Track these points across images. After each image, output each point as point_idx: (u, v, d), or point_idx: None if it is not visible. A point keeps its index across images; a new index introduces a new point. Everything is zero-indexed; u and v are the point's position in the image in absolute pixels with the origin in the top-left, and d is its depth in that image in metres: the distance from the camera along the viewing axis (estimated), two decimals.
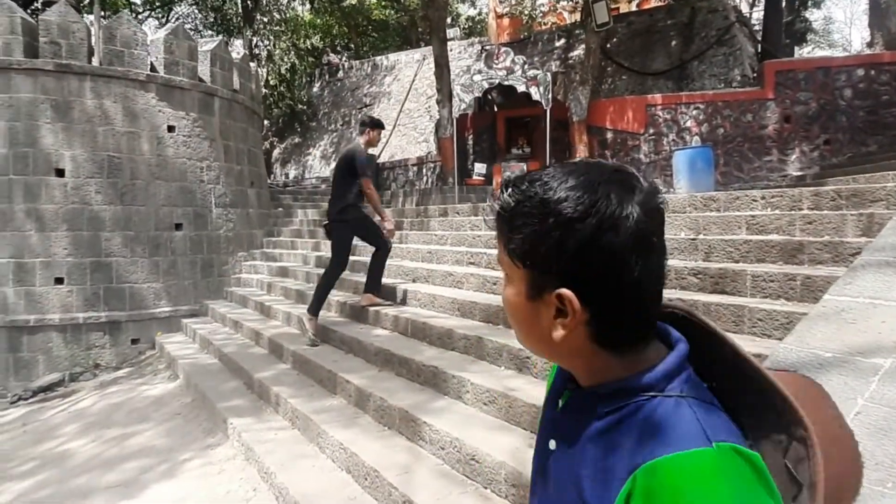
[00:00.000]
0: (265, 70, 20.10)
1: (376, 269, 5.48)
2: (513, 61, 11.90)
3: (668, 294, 3.59)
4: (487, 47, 15.25)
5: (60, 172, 7.49)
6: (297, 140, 21.16)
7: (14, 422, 5.90)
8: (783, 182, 10.28)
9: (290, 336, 5.78)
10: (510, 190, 0.69)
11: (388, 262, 6.54)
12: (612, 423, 0.66)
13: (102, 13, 7.94)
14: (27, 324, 7.25)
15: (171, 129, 8.15)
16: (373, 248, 5.51)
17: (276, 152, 21.34)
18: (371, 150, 5.57)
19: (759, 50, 15.52)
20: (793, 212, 4.11)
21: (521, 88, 11.68)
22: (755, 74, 13.05)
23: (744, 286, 3.43)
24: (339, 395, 4.29)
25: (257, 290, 8.24)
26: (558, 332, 0.66)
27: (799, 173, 10.89)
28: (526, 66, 11.93)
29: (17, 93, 7.41)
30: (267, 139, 20.24)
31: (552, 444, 0.75)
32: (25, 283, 7.31)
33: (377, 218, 5.41)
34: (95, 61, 7.80)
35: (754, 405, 0.66)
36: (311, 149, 20.64)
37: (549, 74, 11.60)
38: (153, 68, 8.14)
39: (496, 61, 12.05)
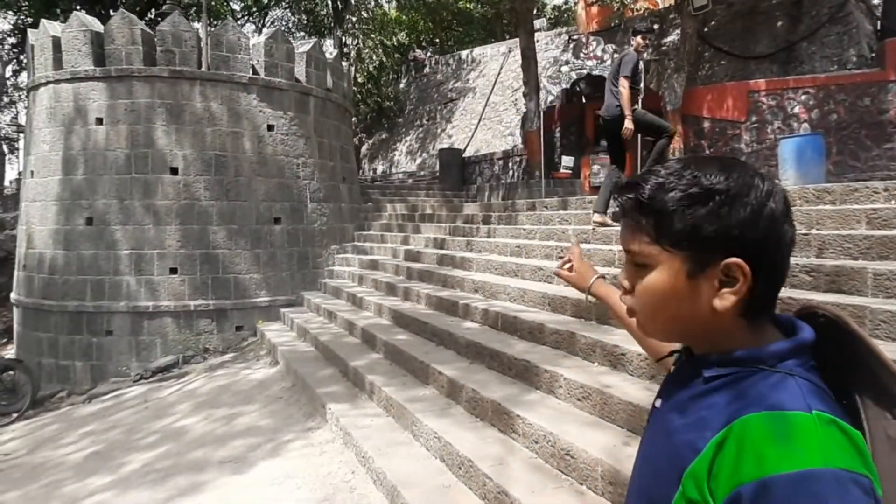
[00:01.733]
0: (354, 68, 20.74)
1: (605, 189, 5.79)
2: (603, 51, 11.60)
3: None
4: (575, 37, 14.93)
5: (174, 171, 8.11)
6: (384, 136, 21.70)
7: (137, 398, 6.49)
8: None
9: (381, 327, 5.96)
10: (652, 183, 0.74)
11: (477, 256, 6.60)
12: (715, 387, 0.72)
13: (209, 20, 8.50)
14: (147, 310, 7.93)
15: (270, 128, 8.61)
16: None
17: (364, 148, 21.99)
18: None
19: (879, 27, 14.19)
20: None
21: None
22: (873, 54, 11.95)
23: (864, 285, 3.18)
24: (430, 385, 4.38)
25: (349, 281, 8.55)
26: (725, 302, 0.71)
27: None
28: (616, 55, 11.59)
29: (137, 98, 8.09)
30: (355, 135, 20.90)
31: (658, 403, 0.83)
32: (144, 273, 8.00)
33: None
34: (203, 66, 8.37)
35: (878, 401, 0.68)
36: (398, 144, 21.09)
37: (641, 63, 11.20)
38: (254, 71, 8.62)
39: (585, 51, 11.78)
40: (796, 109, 11.22)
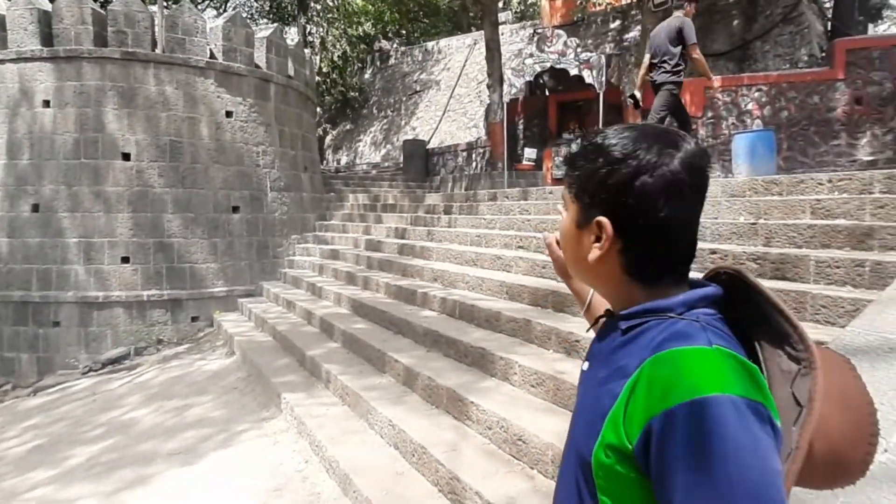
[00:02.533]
0: (318, 57, 20.40)
1: None
2: (565, 44, 11.66)
3: None
4: (539, 30, 15.00)
5: (126, 156, 7.84)
6: (348, 127, 21.44)
7: (85, 390, 6.27)
8: (852, 167, 9.75)
9: (340, 316, 5.90)
10: (580, 140, 0.78)
11: (437, 245, 6.60)
12: (631, 337, 0.76)
13: (165, 2, 8.21)
14: (96, 300, 7.66)
15: (228, 114, 8.40)
16: None
17: (328, 139, 21.69)
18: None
19: (829, 28, 14.70)
20: (862, 196, 3.90)
21: (573, 72, 11.44)
22: (824, 54, 12.37)
23: (807, 272, 3.29)
24: (387, 373, 4.36)
25: (309, 271, 8.44)
26: (593, 254, 0.80)
27: (870, 158, 10.31)
28: (579, 49, 11.68)
29: (86, 80, 7.78)
30: (320, 126, 20.60)
31: (585, 365, 0.87)
32: (94, 262, 7.72)
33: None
34: (158, 49, 8.10)
35: (773, 343, 0.75)
36: (363, 135, 20.87)
37: (602, 57, 11.33)
38: (212, 55, 8.38)
39: (548, 44, 11.83)
40: (750, 106, 11.51)
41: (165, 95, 8.00)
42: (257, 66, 8.81)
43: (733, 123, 11.57)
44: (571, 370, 3.30)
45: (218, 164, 8.29)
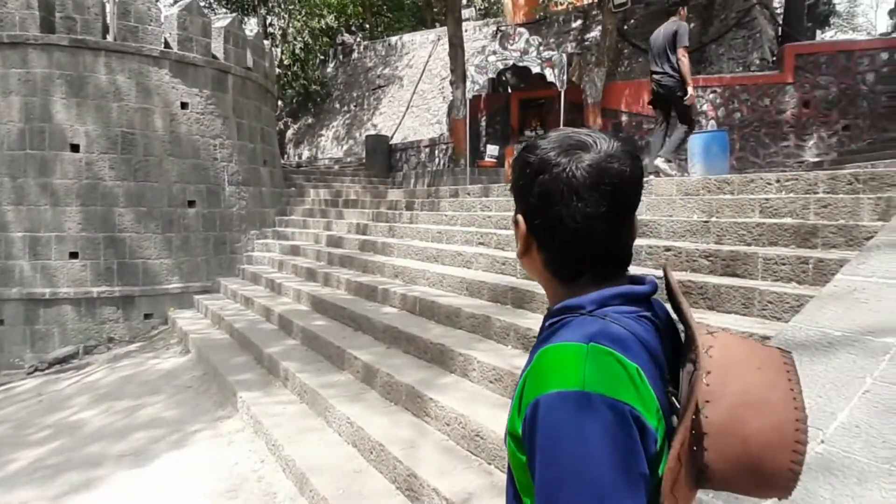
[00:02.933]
0: (279, 50, 20.02)
1: (677, 139, 6.39)
2: (528, 42, 11.76)
3: (679, 276, 3.56)
4: (503, 28, 15.06)
5: (75, 148, 7.54)
6: (310, 121, 21.13)
7: (30, 391, 6.02)
8: (800, 168, 10.12)
9: (299, 312, 5.82)
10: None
11: (398, 241, 6.58)
12: (549, 333, 0.78)
13: None
14: (43, 297, 7.36)
15: (184, 105, 8.17)
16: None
17: (289, 133, 21.34)
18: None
19: (780, 33, 15.19)
20: (808, 195, 4.04)
21: (535, 70, 11.55)
22: (775, 58, 12.79)
23: (755, 269, 3.39)
24: (346, 370, 4.32)
25: (269, 267, 8.29)
26: (518, 250, 0.85)
27: (816, 159, 10.71)
28: (541, 48, 11.78)
29: (32, 68, 7.44)
30: (280, 119, 20.24)
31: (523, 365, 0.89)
32: (41, 257, 7.41)
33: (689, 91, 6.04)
34: (110, 37, 7.81)
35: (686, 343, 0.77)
36: (324, 130, 20.61)
37: (564, 56, 11.46)
38: (167, 44, 8.13)
39: (511, 42, 11.90)
40: (705, 107, 11.82)
41: (117, 85, 7.72)
42: (214, 57, 8.59)
43: None
44: None
45: (173, 156, 8.05)
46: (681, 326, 0.81)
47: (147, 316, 7.81)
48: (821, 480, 1.25)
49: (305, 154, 20.41)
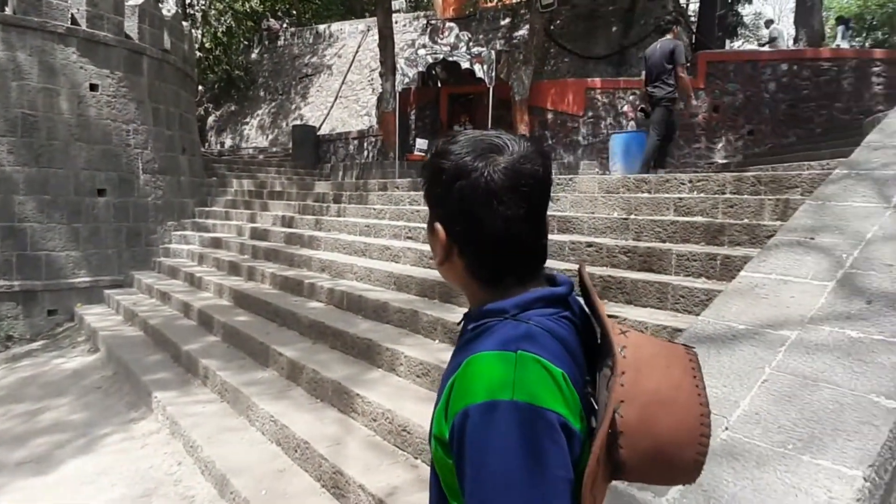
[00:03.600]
0: (199, 32, 19.12)
1: (662, 147, 6.77)
2: (457, 37, 11.82)
3: (600, 271, 3.70)
4: (433, 22, 15.06)
5: None
6: (233, 108, 20.33)
7: None
8: (709, 169, 10.75)
9: (221, 308, 5.61)
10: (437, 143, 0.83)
11: (326, 235, 6.47)
12: (472, 337, 0.79)
13: None
14: None
15: (93, 87, 7.64)
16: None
17: (210, 119, 20.45)
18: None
19: (694, 41, 16.04)
20: (717, 195, 4.31)
21: (465, 65, 11.63)
22: (688, 64, 13.49)
23: (669, 265, 3.58)
24: (271, 367, 4.21)
25: (188, 260, 7.93)
26: (437, 258, 0.83)
27: (724, 161, 11.39)
28: (471, 43, 11.87)
29: None
30: (201, 105, 19.35)
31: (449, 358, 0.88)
32: None
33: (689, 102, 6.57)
34: (9, 10, 7.17)
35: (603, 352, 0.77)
36: (249, 117, 19.89)
37: (493, 53, 11.60)
38: (74, 21, 7.56)
39: (441, 36, 11.93)
40: (625, 108, 12.33)
41: (17, 63, 7.11)
42: (128, 37, 8.08)
43: (611, 123, 12.33)
44: None
45: (81, 141, 7.52)
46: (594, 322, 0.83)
47: (51, 312, 7.27)
48: (725, 465, 1.34)
49: (228, 142, 19.63)
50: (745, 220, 3.82)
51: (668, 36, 6.72)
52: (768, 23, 7.21)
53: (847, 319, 1.62)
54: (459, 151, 0.77)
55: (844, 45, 15.42)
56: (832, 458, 1.22)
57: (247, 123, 19.96)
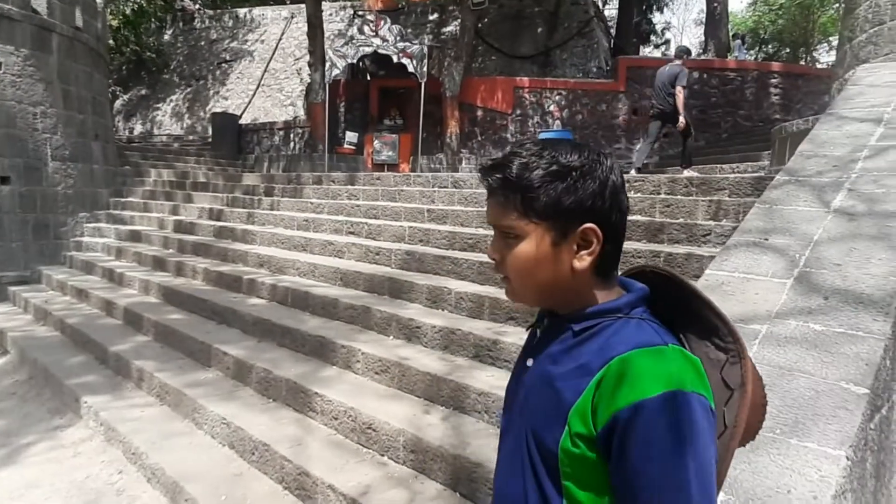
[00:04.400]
0: (107, 10, 17.78)
1: (689, 148, 7.84)
2: (388, 30, 11.73)
3: None
4: (361, 13, 14.86)
5: None
6: (143, 91, 19.11)
7: None
8: (628, 170, 11.32)
9: (149, 305, 5.30)
10: (517, 163, 0.82)
11: (260, 229, 6.29)
12: (584, 338, 0.83)
13: None
14: None
15: None
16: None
17: (118, 103, 19.10)
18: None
19: (612, 45, 16.80)
20: (653, 195, 4.56)
21: (395, 59, 11.57)
22: (608, 67, 14.12)
23: (621, 263, 3.75)
24: (214, 367, 4.04)
25: (104, 255, 7.41)
26: (583, 263, 0.83)
27: (645, 161, 12.00)
28: (400, 37, 11.82)
29: None
30: (108, 88, 18.03)
31: (529, 362, 0.92)
32: None
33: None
34: None
35: (700, 335, 0.87)
36: (161, 103, 18.77)
37: (425, 48, 11.61)
38: None
39: (371, 29, 11.79)
40: (551, 107, 12.74)
41: None
42: (35, 12, 7.41)
43: (538, 122, 12.70)
44: (414, 355, 3.38)
45: None
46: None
47: None
48: None
49: (138, 129, 18.46)
50: (681, 220, 4.07)
51: (678, 62, 7.61)
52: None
53: (809, 314, 1.79)
54: (585, 156, 0.82)
55: (742, 57, 16.71)
56: (817, 441, 1.36)
57: (159, 109, 18.85)
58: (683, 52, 8.18)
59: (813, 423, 1.41)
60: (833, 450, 1.33)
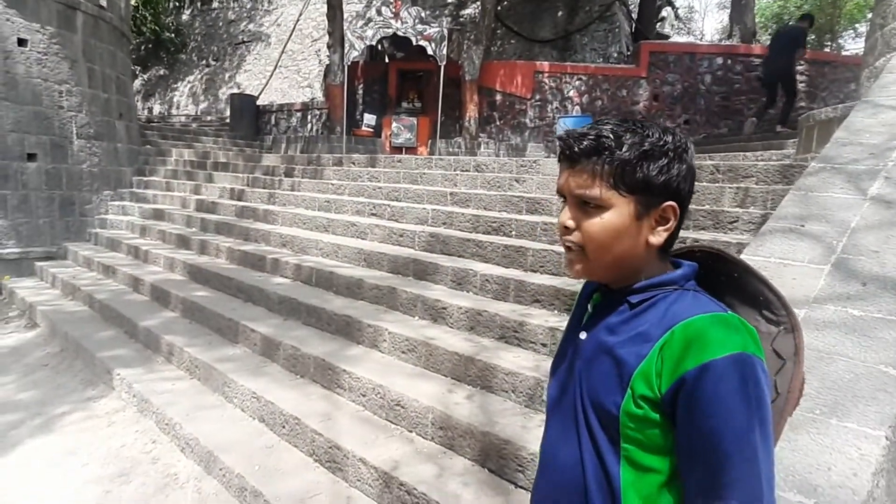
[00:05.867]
0: None
1: (788, 107, 8.54)
2: (408, 13, 11.65)
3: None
4: None
5: None
6: (162, 72, 19.22)
7: None
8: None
9: (175, 282, 5.39)
10: (616, 137, 0.85)
11: (282, 209, 6.35)
12: (643, 309, 0.88)
13: None
14: None
15: (21, 42, 7.02)
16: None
17: (137, 83, 19.23)
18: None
19: (633, 30, 16.56)
20: None
21: (415, 42, 11.51)
22: (629, 52, 13.94)
23: None
24: (241, 343, 4.12)
25: (128, 232, 7.53)
26: (658, 238, 0.88)
27: None
28: (419, 20, 11.74)
29: None
30: (130, 67, 18.13)
31: (583, 336, 0.96)
32: None
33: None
34: None
35: (749, 309, 0.92)
36: (179, 83, 18.88)
37: (444, 31, 11.53)
38: None
39: (390, 11, 11.72)
40: (571, 93, 12.62)
41: None
42: None
43: (557, 107, 12.61)
44: (440, 335, 3.43)
45: (7, 101, 6.92)
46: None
47: None
48: None
49: (157, 109, 18.60)
50: (707, 206, 4.06)
51: (800, 23, 8.88)
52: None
53: (848, 300, 1.81)
54: (675, 135, 0.87)
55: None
56: (857, 421, 1.39)
57: (177, 89, 18.96)
58: (806, 18, 9.42)
59: (852, 405, 1.44)
60: (872, 430, 1.36)
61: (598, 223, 0.87)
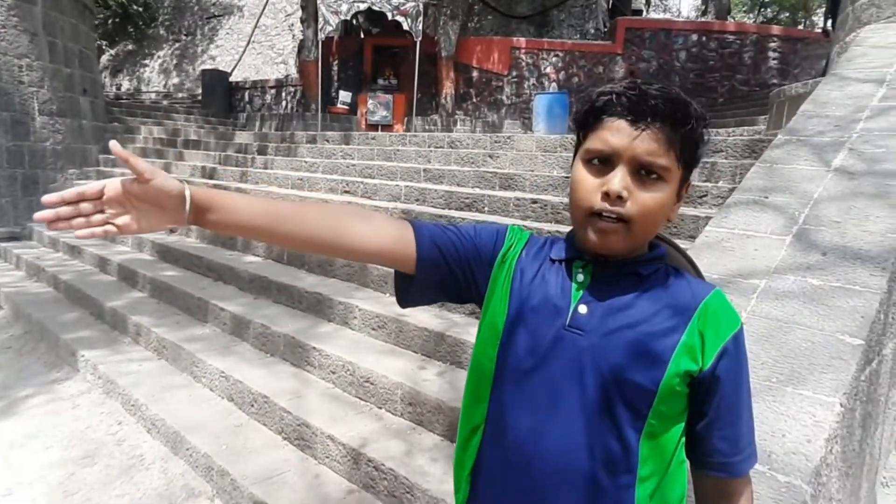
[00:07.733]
0: None
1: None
2: None
3: (547, 227, 3.84)
4: None
5: None
6: (130, 47, 18.65)
7: None
8: None
9: (143, 262, 5.28)
10: (692, 108, 0.80)
11: (254, 188, 6.25)
12: (654, 281, 0.86)
13: None
14: None
15: None
16: None
17: (104, 59, 18.65)
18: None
19: (610, 5, 16.48)
20: None
21: (390, 16, 11.30)
22: (606, 29, 13.88)
23: None
24: (210, 323, 4.06)
25: None
26: (676, 213, 0.87)
27: None
28: None
29: None
30: (94, 42, 17.56)
31: (582, 309, 0.85)
32: None
33: None
34: None
35: None
36: (148, 59, 18.36)
37: (420, 5, 11.34)
38: None
39: None
40: (548, 69, 12.56)
41: None
42: None
43: (534, 84, 12.54)
44: (411, 312, 3.39)
45: None
46: None
47: None
48: None
49: (125, 85, 18.09)
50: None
51: None
52: None
53: (807, 269, 1.82)
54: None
55: None
56: (812, 389, 1.40)
57: (146, 65, 18.45)
58: None
59: (809, 373, 1.45)
60: (827, 397, 1.37)
61: (658, 197, 0.79)
